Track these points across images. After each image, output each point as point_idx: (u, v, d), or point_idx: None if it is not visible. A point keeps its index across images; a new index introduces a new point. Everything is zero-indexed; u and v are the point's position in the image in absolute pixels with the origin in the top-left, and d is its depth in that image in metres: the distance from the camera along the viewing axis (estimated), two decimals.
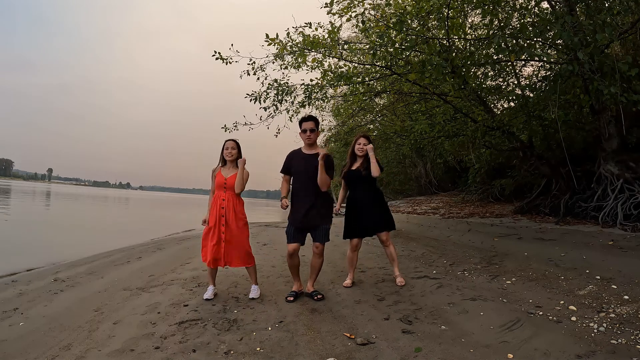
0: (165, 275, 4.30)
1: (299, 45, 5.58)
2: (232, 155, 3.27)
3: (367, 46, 5.63)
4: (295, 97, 6.30)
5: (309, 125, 3.21)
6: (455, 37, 5.27)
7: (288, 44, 5.62)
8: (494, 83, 6.79)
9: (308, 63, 5.82)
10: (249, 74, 6.08)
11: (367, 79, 5.96)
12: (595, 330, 2.23)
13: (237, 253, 3.21)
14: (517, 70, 7.08)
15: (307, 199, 3.14)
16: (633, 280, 3.08)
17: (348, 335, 2.41)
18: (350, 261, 3.64)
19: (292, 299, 3.13)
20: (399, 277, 3.57)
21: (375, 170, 3.34)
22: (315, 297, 3.18)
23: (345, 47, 5.91)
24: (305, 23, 5.64)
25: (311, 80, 5.96)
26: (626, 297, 2.73)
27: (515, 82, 7.03)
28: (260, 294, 3.35)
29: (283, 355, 2.17)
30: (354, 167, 3.57)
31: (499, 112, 7.09)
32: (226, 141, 3.34)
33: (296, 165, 3.24)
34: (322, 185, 3.10)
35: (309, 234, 3.25)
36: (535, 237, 5.12)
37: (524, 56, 4.31)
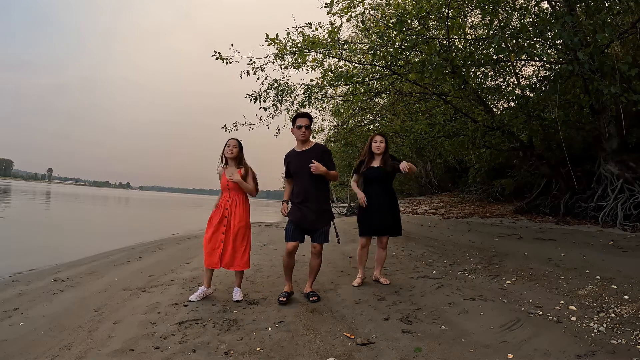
0: (165, 275, 4.30)
1: (299, 45, 5.58)
2: (233, 152, 3.25)
3: (367, 46, 5.63)
4: (295, 97, 6.31)
5: (305, 122, 3.17)
6: (455, 37, 5.27)
7: (288, 44, 5.62)
8: (494, 83, 6.79)
9: (308, 63, 5.83)
10: (249, 74, 6.08)
11: (367, 79, 5.97)
12: (595, 330, 2.23)
13: (237, 255, 3.18)
14: (517, 70, 7.09)
15: (310, 199, 3.12)
16: (633, 280, 3.08)
17: (348, 335, 2.40)
18: (360, 258, 3.67)
19: (284, 299, 3.04)
20: (383, 277, 3.72)
21: (407, 167, 3.32)
22: (311, 299, 3.15)
23: (345, 47, 5.91)
24: (305, 23, 5.65)
25: (311, 80, 5.97)
26: (626, 297, 2.73)
27: (515, 82, 7.03)
28: (261, 294, 3.35)
29: (283, 355, 2.16)
30: (373, 165, 3.61)
31: (499, 112, 7.09)
32: (229, 139, 3.33)
33: (293, 165, 3.20)
34: (333, 179, 3.14)
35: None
36: (535, 237, 5.12)
37: (524, 56, 4.31)
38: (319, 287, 3.60)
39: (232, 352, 2.20)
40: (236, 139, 3.33)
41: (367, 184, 3.67)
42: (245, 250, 3.23)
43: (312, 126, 3.34)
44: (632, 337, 2.11)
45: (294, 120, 3.23)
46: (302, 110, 6.40)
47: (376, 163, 3.61)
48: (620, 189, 5.35)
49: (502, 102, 7.48)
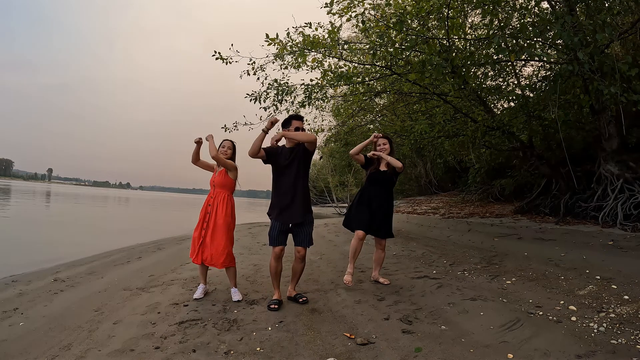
0: (165, 275, 4.30)
1: (299, 45, 5.58)
2: (227, 154, 3.31)
3: (367, 46, 5.62)
4: (295, 97, 6.30)
5: (302, 124, 3.16)
6: (455, 37, 5.26)
7: (288, 44, 5.62)
8: (494, 83, 6.78)
9: (308, 63, 5.82)
10: (249, 74, 6.08)
11: (367, 79, 5.96)
12: (595, 330, 2.23)
13: (214, 252, 3.14)
14: (517, 70, 7.09)
15: (297, 194, 3.08)
16: (633, 280, 3.08)
17: (348, 335, 2.40)
18: (355, 250, 3.55)
19: (276, 306, 2.95)
20: (382, 277, 3.76)
21: (394, 162, 3.49)
22: (300, 300, 3.12)
23: (345, 47, 5.90)
24: (305, 23, 5.64)
25: (311, 80, 5.96)
26: (626, 297, 2.73)
27: (515, 82, 7.03)
28: (261, 294, 3.36)
29: (283, 355, 2.16)
30: (381, 168, 3.65)
31: (499, 112, 7.09)
32: (224, 140, 3.39)
33: (284, 158, 3.10)
34: (307, 140, 3.05)
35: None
36: (535, 237, 5.12)
37: (524, 56, 4.31)
38: (319, 287, 3.60)
39: (232, 352, 2.20)
40: (231, 141, 3.40)
41: (370, 183, 3.70)
42: (224, 249, 3.15)
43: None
44: (632, 337, 2.11)
45: (288, 122, 3.16)
46: (301, 110, 6.41)
47: (382, 166, 3.66)
48: (620, 189, 5.35)
49: (502, 102, 7.48)
